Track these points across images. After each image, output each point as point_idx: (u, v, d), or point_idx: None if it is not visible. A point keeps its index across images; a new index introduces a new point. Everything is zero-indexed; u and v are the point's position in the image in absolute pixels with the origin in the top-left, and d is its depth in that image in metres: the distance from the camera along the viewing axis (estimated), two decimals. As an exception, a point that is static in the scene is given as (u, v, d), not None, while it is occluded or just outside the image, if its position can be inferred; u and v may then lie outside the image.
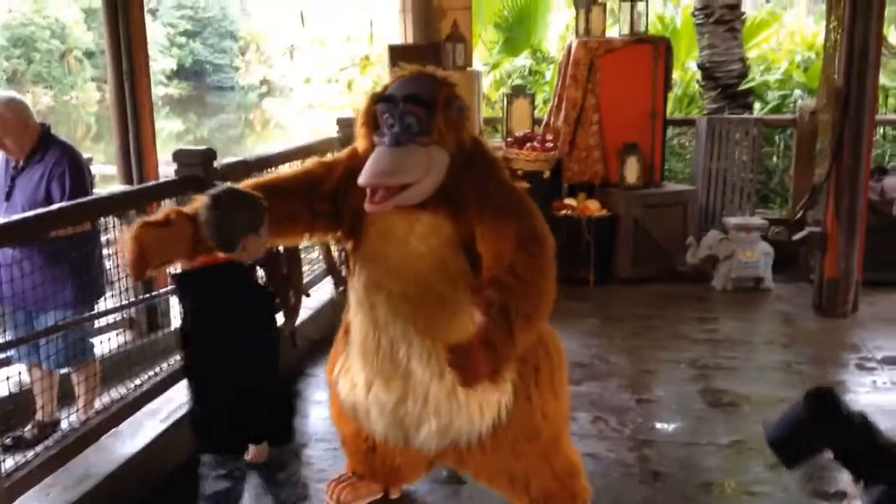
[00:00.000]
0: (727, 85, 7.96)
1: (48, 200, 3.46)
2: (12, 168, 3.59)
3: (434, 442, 2.61)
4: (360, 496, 3.01)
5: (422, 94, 2.43)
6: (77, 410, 3.62)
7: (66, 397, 3.81)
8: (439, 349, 2.48)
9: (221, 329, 2.34)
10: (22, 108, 3.57)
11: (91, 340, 3.89)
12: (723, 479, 3.25)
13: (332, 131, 5.69)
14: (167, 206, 2.38)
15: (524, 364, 2.60)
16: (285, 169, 4.95)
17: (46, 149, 3.57)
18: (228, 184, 2.47)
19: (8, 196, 3.57)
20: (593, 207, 5.94)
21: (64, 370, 3.72)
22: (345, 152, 2.72)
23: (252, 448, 2.87)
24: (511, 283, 2.26)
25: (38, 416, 3.70)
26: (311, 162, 2.78)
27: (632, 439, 3.57)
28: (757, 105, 8.29)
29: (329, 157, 2.84)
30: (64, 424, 3.24)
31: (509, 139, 6.08)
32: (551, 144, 6.00)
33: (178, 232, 2.28)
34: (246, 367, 2.37)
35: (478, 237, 2.44)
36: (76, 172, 3.55)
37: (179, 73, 37.12)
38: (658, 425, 3.72)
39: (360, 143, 2.56)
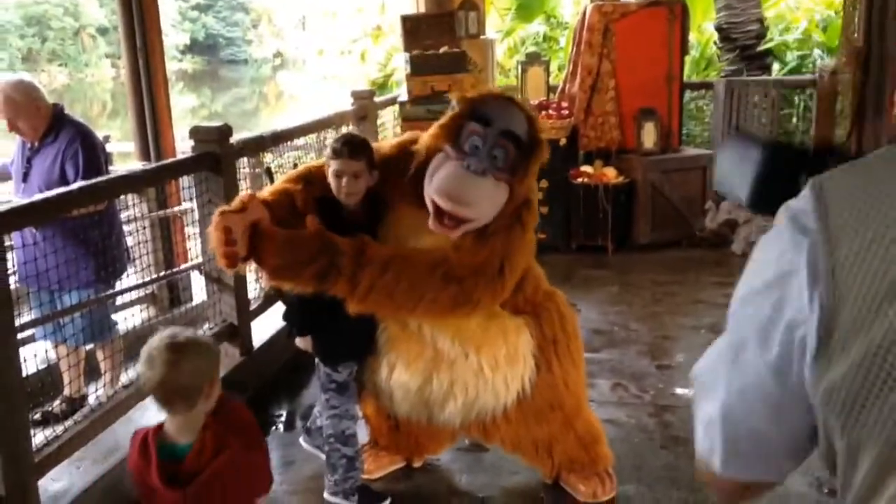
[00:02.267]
0: (745, 46, 7.85)
1: (63, 180, 3.48)
2: (28, 150, 3.61)
3: (459, 418, 2.65)
4: (383, 465, 3.05)
5: (520, 133, 2.42)
6: (104, 385, 3.68)
7: (93, 372, 3.87)
8: (464, 328, 2.53)
9: None
10: (32, 89, 3.57)
11: (114, 317, 3.93)
12: (744, 443, 3.26)
13: (347, 104, 5.68)
14: (241, 194, 2.36)
15: (543, 337, 2.66)
16: (301, 142, 4.97)
17: (59, 129, 3.58)
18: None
19: (25, 177, 3.60)
20: (610, 174, 5.91)
21: (89, 346, 3.77)
22: (396, 144, 2.73)
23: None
24: (381, 263, 2.31)
25: (66, 391, 3.77)
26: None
27: (652, 405, 3.58)
28: (775, 66, 8.18)
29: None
30: (91, 399, 3.30)
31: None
32: (567, 111, 5.97)
33: (258, 216, 2.27)
34: None
35: None
36: (89, 151, 3.57)
37: (192, 47, 37.10)
38: (678, 391, 3.73)
39: (428, 140, 2.51)
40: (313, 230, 2.30)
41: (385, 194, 2.60)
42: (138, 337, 4.14)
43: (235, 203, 2.29)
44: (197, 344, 1.84)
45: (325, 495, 2.82)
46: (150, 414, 3.12)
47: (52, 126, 3.57)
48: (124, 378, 3.21)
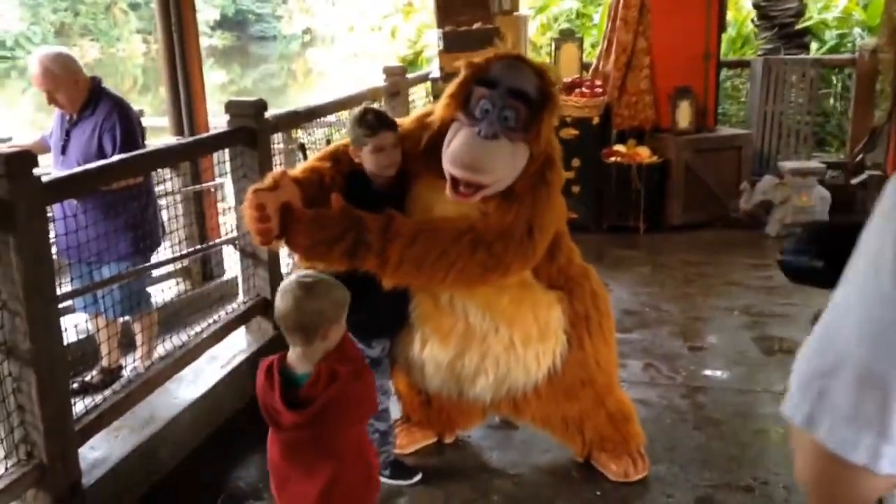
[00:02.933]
0: (783, 24, 7.70)
1: (101, 153, 3.51)
2: (66, 122, 3.65)
3: (490, 393, 2.66)
4: (415, 440, 3.07)
5: (528, 90, 2.39)
6: (141, 357, 3.73)
7: (129, 344, 3.93)
8: (495, 303, 2.53)
9: None
10: (70, 62, 3.60)
11: (149, 290, 3.98)
12: (778, 426, 3.23)
13: (377, 80, 5.66)
14: (272, 172, 2.40)
15: (574, 313, 2.65)
16: (332, 119, 4.97)
17: (97, 102, 3.61)
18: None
19: (63, 150, 3.64)
20: (644, 153, 5.85)
21: (125, 318, 3.82)
22: (415, 118, 2.72)
23: None
24: (408, 234, 2.29)
25: (104, 362, 3.83)
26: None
27: (684, 386, 3.56)
28: (814, 45, 8.03)
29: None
30: (128, 371, 3.34)
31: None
32: (600, 90, 5.90)
33: (289, 194, 2.29)
34: None
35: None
36: (127, 125, 3.59)
37: (223, 23, 37.15)
38: (711, 372, 3.70)
39: (441, 111, 2.51)
40: (338, 208, 2.30)
41: (408, 168, 2.60)
42: (174, 310, 4.22)
43: (267, 181, 2.30)
44: (326, 286, 2.00)
45: None
46: (185, 385, 3.18)
47: (90, 99, 3.60)
48: (161, 350, 3.25)
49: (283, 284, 2.00)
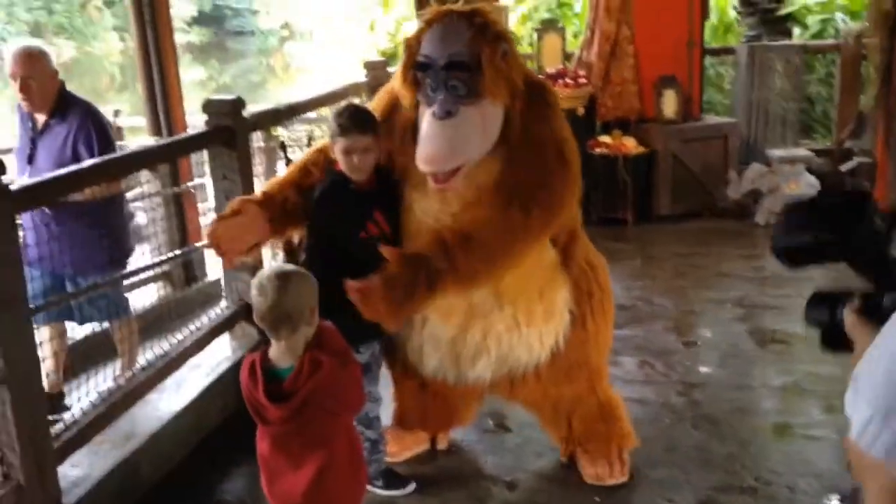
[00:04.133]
0: (765, 10, 7.66)
1: (76, 161, 3.35)
2: (31, 130, 3.47)
3: (489, 372, 2.59)
4: (407, 447, 2.98)
5: (462, 54, 2.30)
6: (122, 367, 3.60)
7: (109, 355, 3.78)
8: (500, 280, 2.44)
9: None
10: (47, 53, 3.47)
11: (127, 298, 3.84)
12: (778, 421, 3.18)
13: (358, 74, 5.54)
14: (232, 200, 2.53)
15: (579, 291, 2.60)
16: (312, 116, 4.86)
17: (67, 108, 3.42)
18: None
19: (30, 160, 3.45)
20: (630, 144, 5.78)
21: (106, 323, 3.67)
22: (383, 98, 2.62)
23: None
24: (463, 242, 2.23)
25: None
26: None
27: (680, 383, 3.50)
28: (796, 30, 7.98)
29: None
30: (108, 384, 3.21)
31: (540, 76, 5.89)
32: (584, 80, 5.83)
33: (251, 217, 2.43)
34: None
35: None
36: (101, 132, 3.43)
37: (200, 19, 36.74)
38: (706, 368, 3.64)
39: (403, 99, 2.45)
40: (395, 259, 2.22)
41: (392, 157, 2.53)
42: (157, 316, 4.10)
43: (227, 209, 2.39)
44: (300, 273, 2.03)
45: None
46: (167, 396, 3.08)
47: (59, 104, 3.44)
48: (142, 360, 3.13)
49: (258, 280, 1.98)
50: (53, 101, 3.41)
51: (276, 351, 2.00)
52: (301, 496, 2.02)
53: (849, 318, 1.18)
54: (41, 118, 3.42)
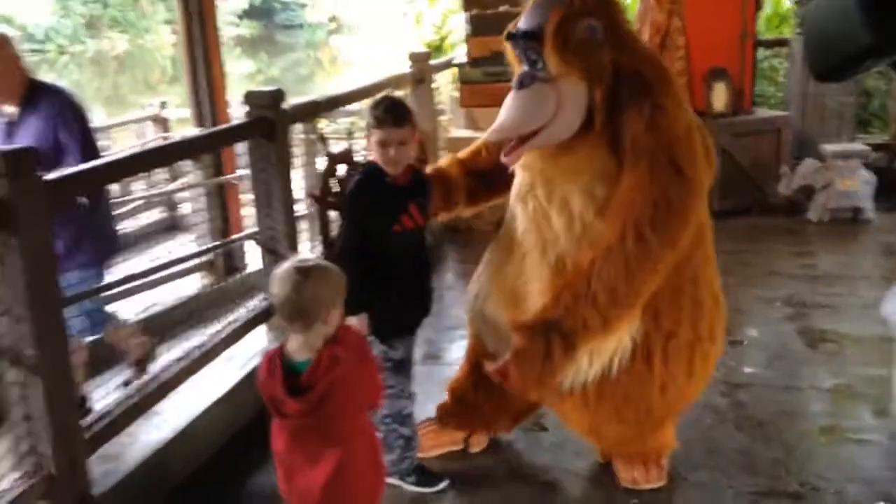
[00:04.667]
0: (822, 0, 7.40)
1: (58, 149, 3.20)
2: (6, 124, 3.36)
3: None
4: (442, 444, 2.93)
5: (536, 25, 2.25)
6: (133, 364, 3.55)
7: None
8: (559, 277, 2.33)
9: None
10: (12, 42, 3.26)
11: (108, 309, 3.62)
12: (826, 425, 3.05)
13: (404, 66, 5.51)
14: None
15: (655, 324, 2.33)
16: (354, 108, 4.84)
17: (39, 97, 3.28)
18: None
19: None
20: (678, 137, 5.63)
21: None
22: None
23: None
24: (585, 294, 2.14)
25: None
26: None
27: (724, 383, 3.38)
28: (855, 21, 7.71)
29: None
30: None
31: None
32: (633, 72, 5.70)
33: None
34: None
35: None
36: (79, 115, 3.30)
37: (249, 12, 37.19)
38: (752, 369, 3.52)
39: (515, 67, 2.44)
40: (520, 330, 2.21)
41: None
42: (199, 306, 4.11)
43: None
44: (323, 270, 1.97)
45: None
46: (200, 388, 3.07)
47: (29, 94, 3.30)
48: (177, 351, 3.12)
49: (279, 271, 1.95)
50: (21, 90, 3.25)
51: (294, 344, 1.98)
52: (319, 492, 1.98)
53: None
54: (12, 110, 3.27)
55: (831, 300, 4.19)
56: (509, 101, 2.28)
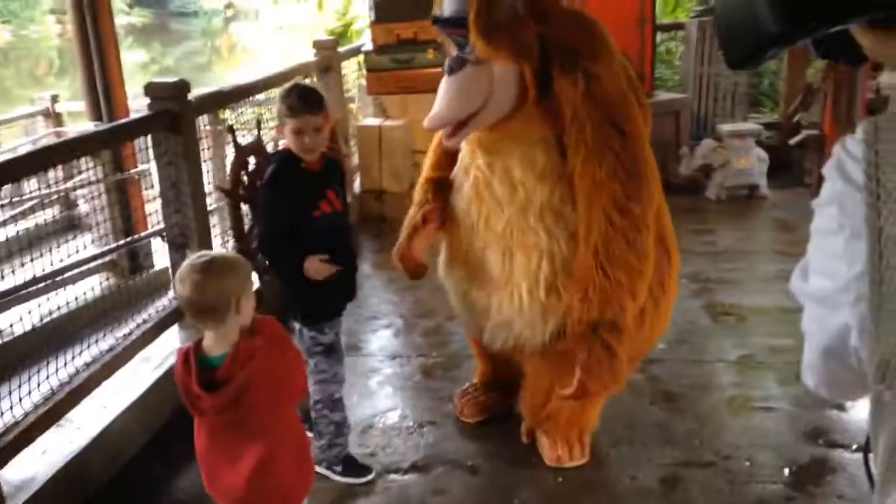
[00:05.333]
0: (713, -15, 7.67)
1: None
2: None
3: (500, 337, 2.53)
4: (481, 411, 2.99)
5: (459, 11, 2.24)
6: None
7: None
8: (515, 245, 2.40)
9: None
10: None
11: None
12: (736, 395, 3.19)
13: (307, 54, 5.42)
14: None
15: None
16: (261, 98, 4.73)
17: None
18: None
19: None
20: (583, 121, 5.74)
21: None
22: None
23: None
24: (594, 295, 2.26)
25: None
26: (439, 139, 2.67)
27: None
28: (744, 5, 8.01)
29: None
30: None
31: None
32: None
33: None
34: None
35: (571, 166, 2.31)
36: None
37: (140, 0, 35.82)
38: (664, 345, 3.63)
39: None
40: (576, 344, 2.33)
41: None
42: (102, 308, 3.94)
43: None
44: (225, 262, 1.95)
45: None
46: (115, 392, 2.97)
47: None
48: (87, 355, 2.99)
49: (180, 271, 1.91)
50: None
51: (209, 340, 1.94)
52: (242, 490, 1.94)
53: None
54: None
55: (733, 275, 4.37)
56: (443, 87, 2.28)
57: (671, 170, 5.84)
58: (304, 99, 2.44)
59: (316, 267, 2.48)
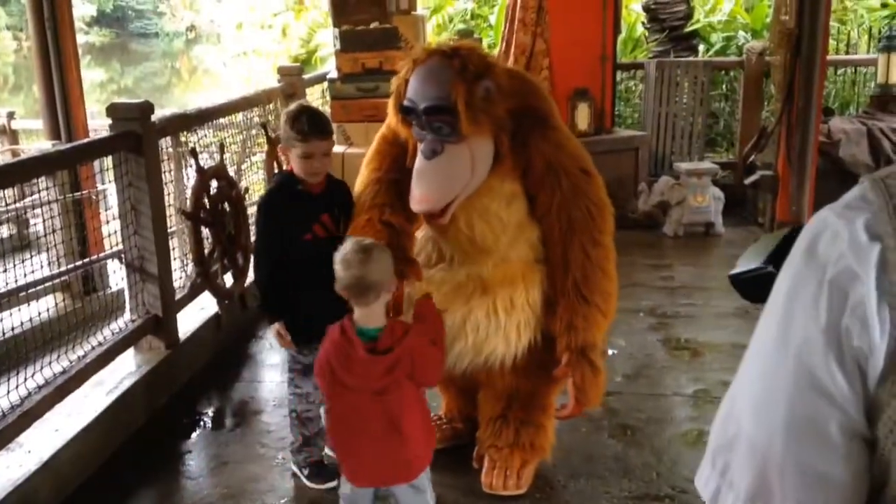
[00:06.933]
0: (672, 27, 7.90)
1: None
2: None
3: (468, 359, 2.53)
4: (445, 439, 2.95)
5: (440, 99, 2.30)
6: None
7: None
8: (482, 264, 2.50)
9: None
10: None
11: None
12: (692, 429, 3.23)
13: (269, 80, 5.43)
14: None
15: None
16: (223, 121, 4.71)
17: None
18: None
19: None
20: (544, 155, 5.82)
21: None
22: (385, 130, 2.62)
23: None
24: (579, 322, 2.44)
25: None
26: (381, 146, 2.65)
27: (597, 392, 3.51)
28: (701, 47, 8.25)
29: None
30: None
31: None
32: (500, 91, 5.85)
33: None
34: None
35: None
36: None
37: (100, 19, 35.47)
38: (621, 378, 3.68)
39: (400, 134, 2.49)
40: (571, 366, 2.46)
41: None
42: (55, 331, 3.86)
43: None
44: (378, 246, 2.24)
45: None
46: (67, 416, 2.90)
47: None
48: (39, 377, 2.92)
49: (341, 255, 2.16)
50: None
51: (362, 315, 2.18)
52: (391, 463, 2.23)
53: None
54: None
55: (689, 310, 4.45)
56: (425, 170, 2.34)
57: (629, 205, 5.94)
58: (315, 124, 2.52)
59: (274, 334, 2.64)
